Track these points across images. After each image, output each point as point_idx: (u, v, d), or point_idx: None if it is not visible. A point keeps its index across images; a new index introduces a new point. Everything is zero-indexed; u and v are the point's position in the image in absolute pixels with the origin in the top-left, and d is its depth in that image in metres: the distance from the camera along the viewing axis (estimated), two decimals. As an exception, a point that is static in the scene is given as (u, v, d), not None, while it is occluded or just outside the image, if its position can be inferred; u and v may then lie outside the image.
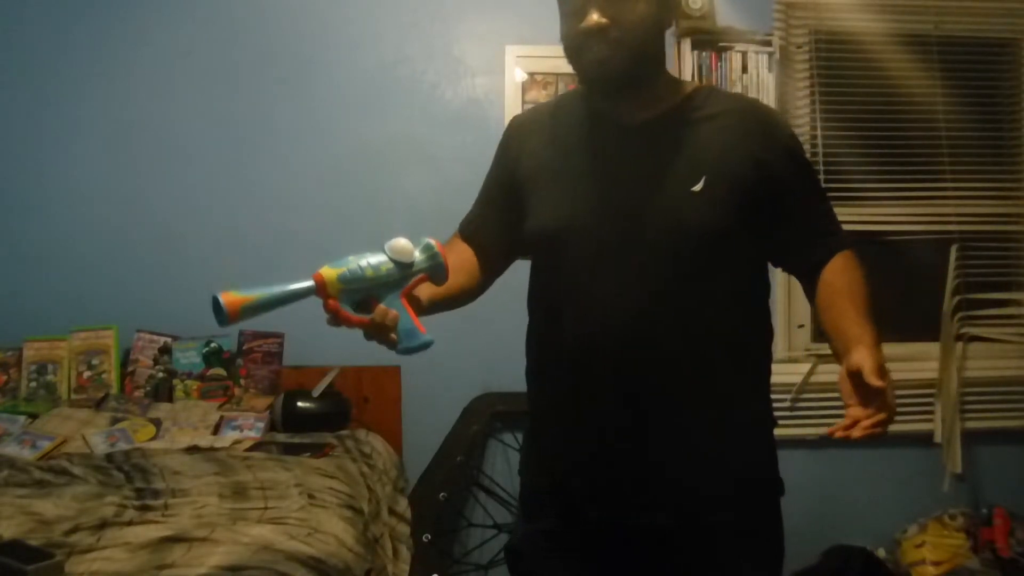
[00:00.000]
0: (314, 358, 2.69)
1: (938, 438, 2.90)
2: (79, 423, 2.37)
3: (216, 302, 1.11)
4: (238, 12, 2.79)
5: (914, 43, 2.93)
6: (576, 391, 1.36)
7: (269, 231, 2.78)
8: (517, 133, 1.48)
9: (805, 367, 2.88)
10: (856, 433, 1.17)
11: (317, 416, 2.52)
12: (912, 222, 2.96)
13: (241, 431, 2.39)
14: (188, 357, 2.66)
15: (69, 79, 2.74)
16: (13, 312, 2.68)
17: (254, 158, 2.79)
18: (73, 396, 2.58)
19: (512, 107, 2.76)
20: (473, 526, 2.78)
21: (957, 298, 2.95)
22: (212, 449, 2.25)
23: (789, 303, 2.92)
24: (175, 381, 2.63)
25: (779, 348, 2.91)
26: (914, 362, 2.95)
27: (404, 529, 2.29)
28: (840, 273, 1.34)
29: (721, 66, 2.79)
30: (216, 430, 2.39)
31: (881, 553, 2.85)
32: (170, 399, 2.60)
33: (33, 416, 2.41)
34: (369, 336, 1.21)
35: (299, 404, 2.52)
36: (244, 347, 2.68)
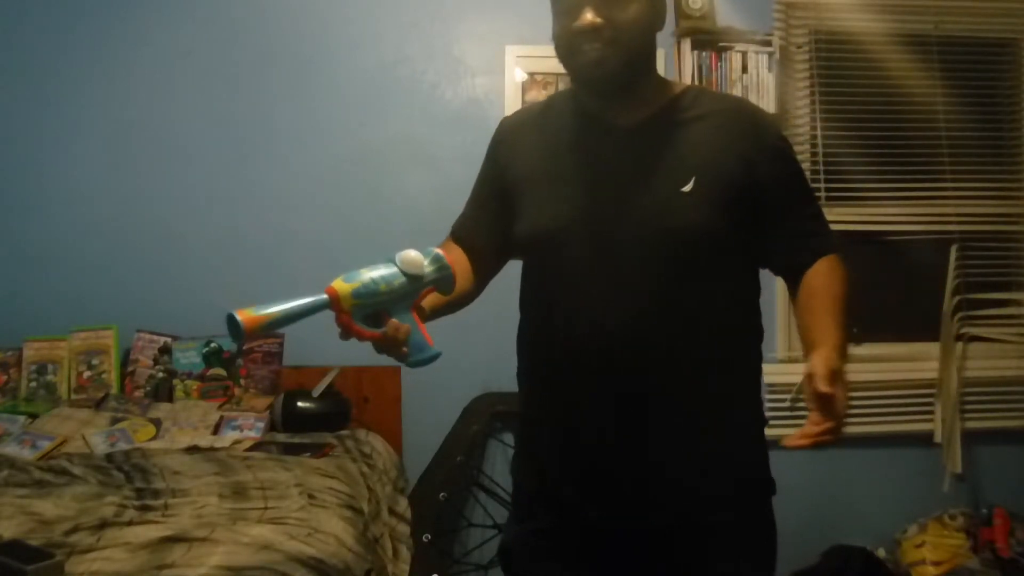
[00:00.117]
0: (314, 358, 2.69)
1: (938, 438, 2.90)
2: (79, 423, 2.37)
3: (232, 320, 1.09)
4: (238, 12, 2.79)
5: (914, 43, 2.93)
6: (568, 392, 1.36)
7: (269, 231, 2.78)
8: (507, 135, 1.48)
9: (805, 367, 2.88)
10: (798, 442, 1.16)
11: (317, 416, 2.52)
12: (912, 222, 2.96)
13: (241, 431, 2.39)
14: (188, 357, 2.66)
15: (69, 79, 2.74)
16: (13, 312, 2.68)
17: (254, 158, 2.79)
18: (73, 396, 2.58)
19: (512, 107, 2.76)
20: (473, 526, 2.78)
21: (957, 298, 2.95)
22: (212, 449, 2.25)
23: (789, 303, 2.91)
24: (175, 381, 2.63)
25: (779, 348, 2.91)
26: (914, 362, 2.95)
27: (404, 529, 2.29)
28: (819, 276, 1.34)
29: (721, 66, 2.79)
30: (216, 430, 2.39)
31: (881, 553, 2.85)
32: (170, 399, 2.60)
33: (33, 416, 2.41)
34: (380, 349, 1.21)
35: (299, 404, 2.52)
36: (244, 347, 2.68)
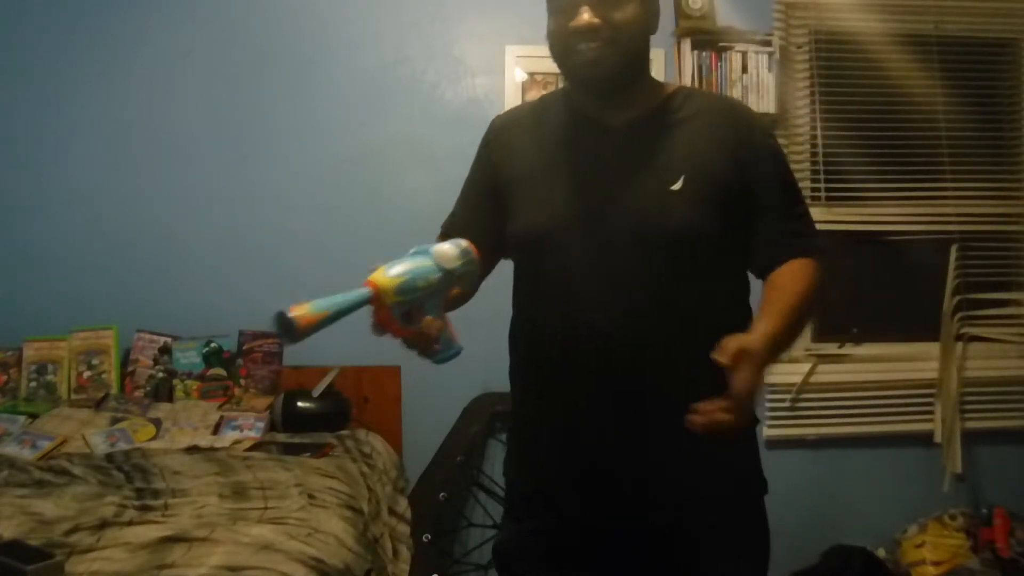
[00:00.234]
0: (314, 358, 2.69)
1: (938, 438, 2.90)
2: (79, 423, 2.37)
3: (283, 319, 1.04)
4: (238, 12, 2.79)
5: (914, 43, 2.93)
6: (561, 390, 1.36)
7: (269, 231, 2.78)
8: (500, 134, 1.48)
9: (805, 367, 2.89)
10: (695, 419, 1.13)
11: (317, 416, 2.52)
12: (912, 222, 2.96)
13: (241, 431, 2.39)
14: (188, 357, 2.66)
15: (69, 79, 2.74)
16: (13, 312, 2.68)
17: (254, 158, 2.79)
18: (73, 396, 2.58)
19: (512, 107, 2.76)
20: (473, 526, 2.78)
21: (957, 298, 2.95)
22: (212, 449, 2.25)
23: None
24: (175, 381, 2.63)
25: (779, 348, 2.91)
26: (914, 362, 2.95)
27: (404, 529, 2.29)
28: (784, 274, 1.31)
29: (721, 66, 2.79)
30: (216, 430, 2.39)
31: (881, 553, 2.85)
32: (170, 399, 2.60)
33: (33, 416, 2.41)
34: (411, 346, 1.18)
35: (299, 404, 2.53)
36: (244, 347, 2.68)
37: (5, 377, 2.61)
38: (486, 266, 1.50)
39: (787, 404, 2.90)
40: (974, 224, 2.98)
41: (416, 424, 2.75)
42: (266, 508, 1.83)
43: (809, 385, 2.90)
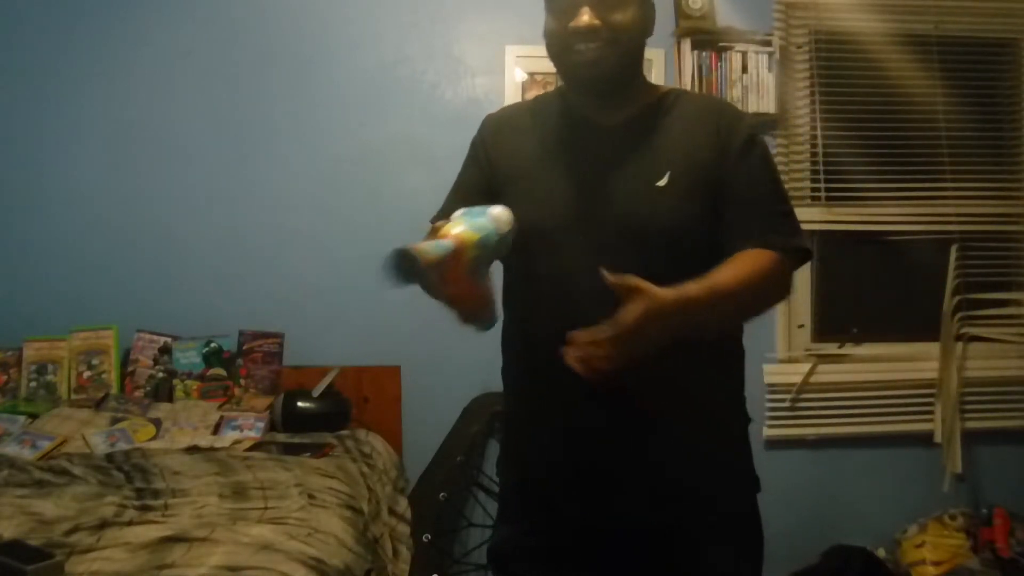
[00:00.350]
0: (314, 358, 2.70)
1: (938, 438, 2.90)
2: (79, 423, 2.37)
3: (402, 256, 0.98)
4: (238, 12, 2.79)
5: (914, 43, 2.93)
6: (555, 389, 1.36)
7: (269, 231, 2.78)
8: (494, 132, 1.49)
9: (805, 367, 2.89)
10: (569, 353, 1.11)
11: (317, 416, 2.52)
12: (912, 222, 2.96)
13: (241, 431, 2.39)
14: (188, 357, 2.66)
15: (69, 79, 2.74)
16: (13, 312, 2.68)
17: (254, 158, 2.79)
18: (73, 396, 2.58)
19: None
20: (473, 526, 2.78)
21: (957, 298, 2.95)
22: (212, 449, 2.25)
23: (789, 303, 2.92)
24: (175, 381, 2.63)
25: (779, 348, 2.91)
26: (914, 362, 2.95)
27: (404, 529, 2.29)
28: (740, 257, 1.27)
29: (721, 66, 2.79)
30: (216, 430, 2.39)
31: (881, 553, 2.85)
32: (170, 399, 2.60)
33: (33, 416, 2.41)
34: (468, 308, 1.13)
35: (299, 404, 2.52)
36: (244, 347, 2.68)
37: (5, 377, 2.61)
38: None
39: (787, 404, 2.90)
40: (974, 224, 2.98)
41: (416, 424, 2.75)
42: (266, 508, 1.83)
43: (809, 385, 2.90)
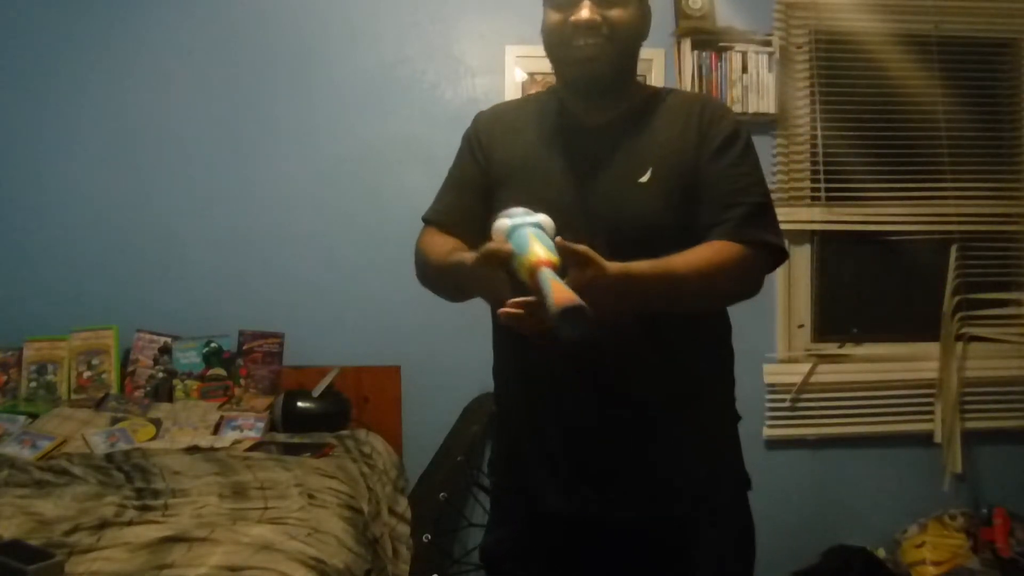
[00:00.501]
0: (314, 358, 2.70)
1: (938, 438, 2.90)
2: (79, 423, 2.37)
3: (582, 310, 0.98)
4: (238, 12, 2.79)
5: (914, 43, 2.93)
6: (543, 387, 1.36)
7: (269, 231, 2.78)
8: (486, 128, 1.48)
9: (805, 367, 2.89)
10: (501, 312, 1.09)
11: (317, 416, 2.52)
12: (912, 222, 2.96)
13: (241, 431, 2.39)
14: (188, 357, 2.66)
15: (69, 79, 2.74)
16: (13, 312, 2.68)
17: (254, 158, 2.79)
18: (73, 396, 2.58)
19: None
20: (473, 526, 2.78)
21: (957, 298, 2.95)
22: (212, 449, 2.25)
23: (789, 303, 2.92)
24: (175, 381, 2.63)
25: (779, 348, 2.91)
26: (914, 362, 2.95)
27: (404, 529, 2.29)
28: (701, 247, 1.26)
29: (721, 66, 2.79)
30: (216, 430, 2.39)
31: (881, 553, 2.85)
32: (170, 399, 2.60)
33: (33, 416, 2.41)
34: (536, 326, 1.09)
35: (299, 404, 2.52)
36: (244, 347, 2.68)
37: (5, 377, 2.61)
38: None
39: (787, 404, 2.90)
40: (974, 224, 2.98)
41: (416, 424, 2.75)
42: (266, 508, 1.83)
43: (809, 385, 2.90)
